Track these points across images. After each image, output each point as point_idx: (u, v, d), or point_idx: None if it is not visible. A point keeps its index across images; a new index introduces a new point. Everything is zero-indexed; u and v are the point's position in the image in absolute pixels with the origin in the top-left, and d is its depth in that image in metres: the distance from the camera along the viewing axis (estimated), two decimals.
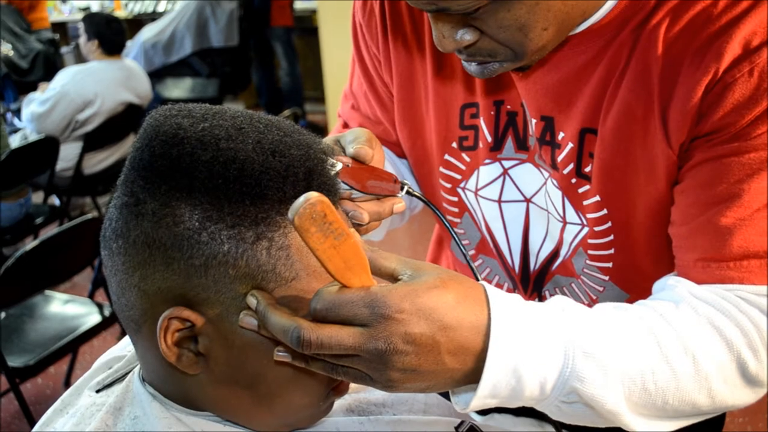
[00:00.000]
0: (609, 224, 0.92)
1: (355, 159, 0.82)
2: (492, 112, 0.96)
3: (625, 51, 0.83)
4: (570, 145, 0.90)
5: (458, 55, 0.83)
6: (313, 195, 0.58)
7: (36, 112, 3.76)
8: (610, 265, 0.95)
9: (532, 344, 0.67)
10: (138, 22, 6.59)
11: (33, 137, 3.75)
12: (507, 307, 0.67)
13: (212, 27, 5.54)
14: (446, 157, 1.01)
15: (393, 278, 0.67)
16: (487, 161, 0.99)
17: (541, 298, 1.05)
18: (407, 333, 0.62)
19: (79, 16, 6.56)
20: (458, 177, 1.02)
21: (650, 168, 0.85)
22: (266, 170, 0.65)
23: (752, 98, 0.76)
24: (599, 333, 0.71)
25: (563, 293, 1.03)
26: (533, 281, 1.04)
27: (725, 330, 0.77)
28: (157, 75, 5.55)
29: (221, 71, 5.63)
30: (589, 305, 0.89)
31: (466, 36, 0.78)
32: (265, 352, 0.67)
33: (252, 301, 0.65)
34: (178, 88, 5.62)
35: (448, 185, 1.03)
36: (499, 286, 1.09)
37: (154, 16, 6.55)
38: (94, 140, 3.93)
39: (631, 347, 0.72)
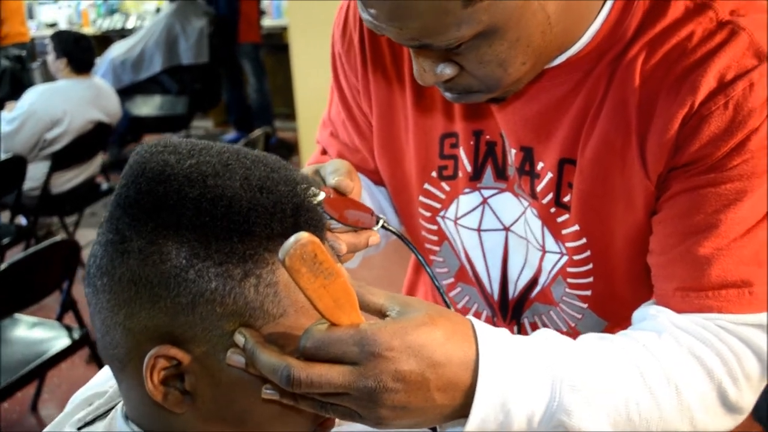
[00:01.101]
0: (588, 253, 0.93)
1: (336, 190, 0.83)
2: (471, 142, 0.97)
3: (603, 83, 0.85)
4: (549, 175, 0.91)
5: (437, 87, 0.84)
6: (303, 236, 0.58)
7: (3, 131, 3.70)
8: (588, 293, 0.97)
9: (519, 379, 0.68)
10: (107, 38, 6.54)
11: (2, 157, 3.71)
12: (494, 342, 0.67)
13: (182, 44, 5.52)
14: (426, 186, 1.02)
15: (381, 314, 0.67)
16: (466, 190, 1.00)
17: (520, 326, 1.06)
18: (397, 370, 0.62)
19: (47, 32, 6.50)
20: (438, 206, 1.03)
21: (628, 198, 0.87)
22: (254, 207, 0.65)
23: (727, 131, 0.78)
24: (584, 366, 0.72)
25: (542, 321, 1.04)
26: (512, 309, 1.05)
27: (706, 360, 0.78)
28: (126, 92, 5.50)
29: (191, 88, 5.61)
30: (568, 333, 0.91)
31: (446, 70, 0.80)
32: (252, 390, 0.67)
33: (240, 339, 0.65)
34: (148, 106, 5.58)
35: (428, 214, 1.04)
36: (477, 314, 1.10)
37: (123, 33, 6.51)
38: (63, 159, 3.89)
39: (616, 379, 0.74)
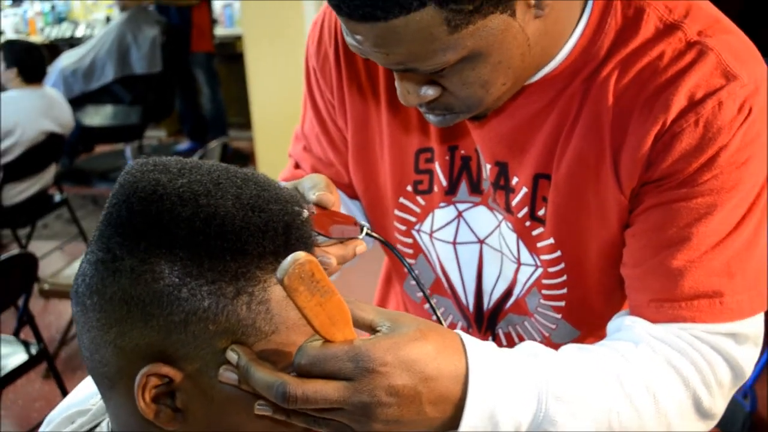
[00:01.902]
0: (562, 265, 0.96)
1: (318, 205, 0.84)
2: (447, 157, 0.99)
3: (576, 100, 0.88)
4: (524, 189, 0.94)
5: (418, 108, 0.86)
6: (300, 255, 0.59)
7: None
8: (563, 303, 0.99)
9: (507, 391, 0.70)
10: (55, 47, 6.43)
11: None
12: (483, 355, 0.69)
13: (134, 53, 5.45)
14: (401, 200, 1.04)
15: (371, 329, 0.69)
16: (442, 204, 1.02)
17: (495, 336, 1.08)
18: (391, 385, 0.63)
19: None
20: (413, 219, 1.05)
21: (602, 212, 0.89)
22: (246, 226, 0.66)
23: (698, 147, 0.81)
24: (568, 377, 0.75)
25: (516, 331, 1.07)
26: (487, 320, 1.07)
27: (682, 368, 0.81)
28: (77, 102, 5.40)
29: (144, 98, 5.54)
30: (542, 343, 0.93)
31: (430, 92, 0.82)
32: (244, 407, 0.68)
33: (233, 356, 0.65)
34: (99, 116, 5.50)
35: (403, 227, 1.06)
36: (453, 325, 1.12)
37: (72, 42, 6.40)
38: (15, 170, 3.81)
39: (598, 389, 0.76)
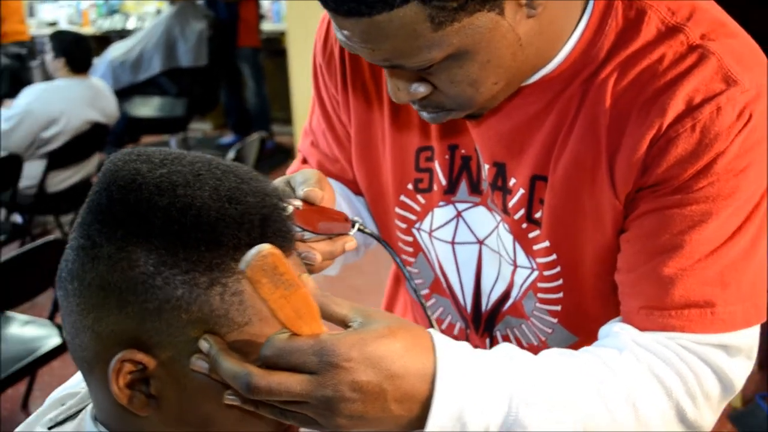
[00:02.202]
0: (558, 269, 0.95)
1: (306, 201, 0.85)
2: (446, 156, 0.99)
3: (575, 102, 0.87)
4: (521, 191, 0.93)
5: (411, 105, 0.86)
6: (265, 247, 0.60)
7: (0, 129, 3.72)
8: (558, 308, 0.98)
9: (476, 392, 0.69)
10: (106, 39, 6.57)
11: None
12: (453, 355, 0.69)
13: (181, 47, 5.54)
14: (402, 198, 1.04)
15: (344, 324, 0.69)
16: (441, 203, 1.01)
17: (492, 338, 1.08)
18: (354, 381, 0.64)
19: (47, 30, 6.52)
20: (413, 218, 1.04)
21: (598, 216, 0.88)
22: (222, 217, 0.66)
23: (694, 153, 0.80)
24: (543, 381, 0.74)
25: (514, 334, 1.06)
26: (485, 321, 1.07)
27: (665, 378, 0.80)
28: (124, 93, 5.52)
29: (189, 91, 5.62)
30: (539, 347, 0.92)
31: (420, 89, 0.82)
32: (215, 395, 0.68)
33: (204, 345, 0.66)
34: (146, 107, 5.60)
35: (404, 225, 1.06)
36: (451, 325, 1.11)
37: (122, 34, 6.53)
38: (59, 158, 3.91)
39: (574, 395, 0.75)
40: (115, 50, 5.62)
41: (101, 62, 5.53)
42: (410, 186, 1.03)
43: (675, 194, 0.82)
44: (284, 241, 0.70)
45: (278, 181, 0.90)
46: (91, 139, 4.04)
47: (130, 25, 6.80)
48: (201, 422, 0.71)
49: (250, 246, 0.66)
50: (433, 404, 0.67)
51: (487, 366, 0.71)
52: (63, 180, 4.01)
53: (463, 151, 0.98)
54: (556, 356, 0.79)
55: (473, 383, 0.69)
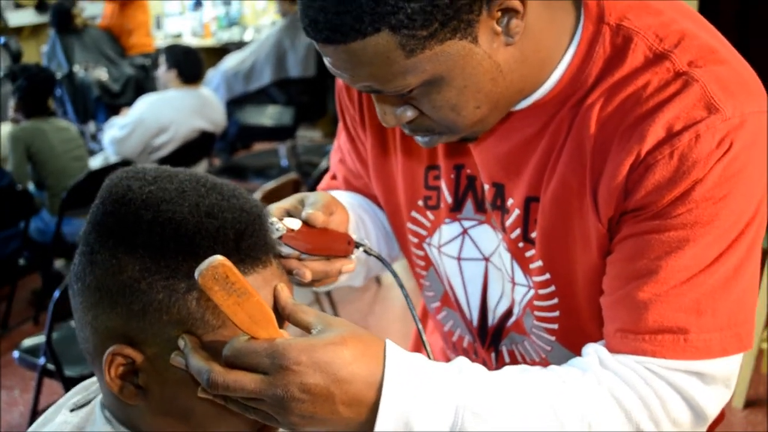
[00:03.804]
0: (553, 288, 0.97)
1: (306, 223, 0.91)
2: (452, 176, 1.03)
3: (565, 127, 0.89)
4: (517, 211, 0.96)
5: (402, 128, 0.91)
6: (217, 258, 0.67)
7: (115, 136, 4.01)
8: (556, 326, 1.00)
9: (423, 401, 0.73)
10: (224, 50, 6.88)
11: (113, 159, 4.01)
12: (402, 365, 0.73)
13: (291, 58, 5.74)
14: (413, 214, 1.09)
15: (308, 330, 0.75)
16: (447, 220, 1.06)
17: (498, 353, 1.11)
18: (303, 383, 0.69)
19: (171, 42, 6.90)
20: (424, 233, 1.09)
21: (585, 238, 0.90)
22: (199, 230, 0.74)
23: (672, 180, 0.81)
24: (494, 395, 0.77)
25: (518, 350, 1.09)
26: (491, 336, 1.10)
27: (625, 401, 0.81)
28: (237, 102, 5.79)
29: (298, 100, 5.82)
30: (540, 364, 0.95)
31: (407, 113, 0.86)
32: (193, 389, 0.76)
33: (181, 343, 0.74)
34: (257, 116, 5.83)
35: (415, 240, 1.11)
36: (461, 338, 1.15)
37: (239, 45, 6.82)
38: (169, 164, 4.12)
39: (526, 411, 0.77)
40: (230, 61, 5.88)
41: (216, 73, 5.81)
42: (420, 203, 1.08)
43: (654, 220, 0.83)
44: (259, 253, 0.77)
45: (293, 199, 0.97)
46: (198, 146, 4.27)
47: (247, 36, 7.10)
48: (182, 413, 0.79)
49: (226, 257, 0.74)
50: (379, 410, 0.72)
51: (435, 377, 0.75)
52: None
53: (468, 171, 1.02)
54: (514, 372, 0.82)
55: (420, 392, 0.73)
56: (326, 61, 0.83)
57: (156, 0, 7.43)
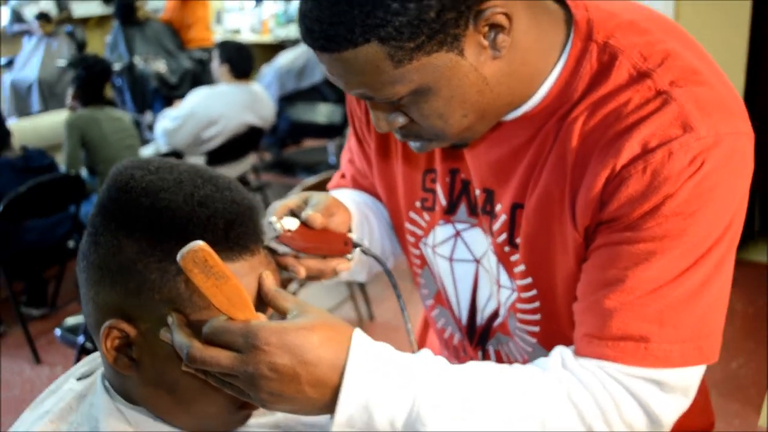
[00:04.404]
0: (534, 291, 1.01)
1: (305, 223, 0.98)
2: (447, 180, 1.08)
3: (550, 139, 0.93)
4: (503, 216, 1.00)
5: (394, 134, 0.96)
6: (197, 243, 0.74)
7: (167, 128, 4.14)
8: (537, 329, 1.05)
9: (383, 387, 0.79)
10: (281, 46, 7.01)
11: (163, 149, 4.15)
12: (365, 352, 0.79)
13: None
14: (411, 214, 1.14)
15: (285, 315, 0.81)
16: (441, 222, 1.11)
17: (485, 352, 1.15)
18: (271, 362, 0.76)
19: (230, 37, 7.06)
20: (420, 233, 1.15)
21: (564, 245, 0.94)
22: (191, 218, 0.81)
23: (644, 194, 0.84)
24: (450, 387, 0.82)
25: (504, 350, 1.13)
26: (479, 335, 1.15)
27: (579, 403, 0.85)
28: (289, 99, 5.90)
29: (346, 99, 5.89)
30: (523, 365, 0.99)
31: (398, 119, 0.91)
32: (180, 364, 0.82)
33: (169, 320, 0.81)
34: (308, 113, 5.94)
35: (412, 239, 1.16)
36: (452, 335, 1.20)
37: (296, 42, 6.94)
38: (217, 156, 4.28)
39: (480, 404, 0.82)
40: (283, 59, 5.99)
41: (270, 69, 5.93)
42: (418, 204, 1.13)
43: (625, 231, 0.86)
44: (247, 242, 0.84)
45: (298, 198, 1.03)
46: (246, 140, 4.38)
47: None
48: (169, 386, 0.86)
49: (215, 244, 0.80)
50: (341, 392, 0.77)
51: (396, 366, 0.81)
52: None
53: (463, 175, 1.07)
54: (475, 366, 0.86)
55: (381, 378, 0.79)
56: (323, 68, 0.89)
57: None
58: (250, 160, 4.57)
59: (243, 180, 4.62)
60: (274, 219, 0.95)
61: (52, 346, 3.56)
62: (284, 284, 1.05)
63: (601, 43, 0.90)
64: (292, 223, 0.96)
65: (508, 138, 0.97)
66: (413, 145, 0.97)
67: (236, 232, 0.83)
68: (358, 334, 0.81)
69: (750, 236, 4.52)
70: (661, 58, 0.87)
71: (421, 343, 1.39)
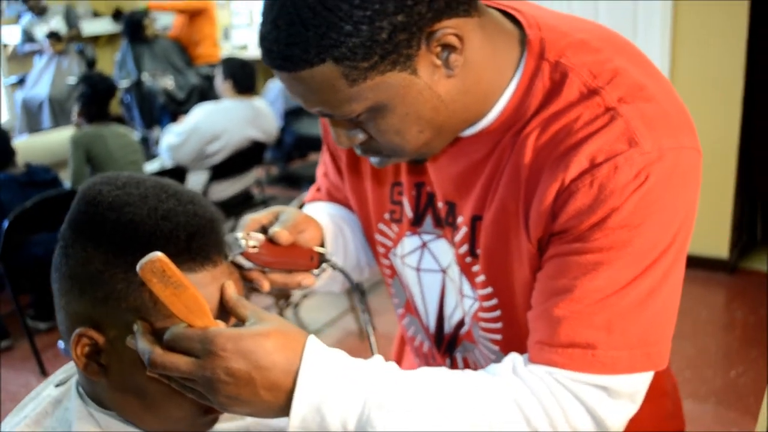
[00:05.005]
0: (495, 301, 1.05)
1: (271, 240, 1.02)
2: (413, 192, 1.12)
3: (506, 153, 0.96)
4: (464, 228, 1.04)
5: (354, 149, 1.00)
6: (156, 254, 0.78)
7: (171, 143, 4.20)
8: (499, 337, 1.08)
9: (335, 391, 0.82)
10: None
11: (168, 165, 4.21)
12: (318, 358, 0.83)
13: None
14: (380, 226, 1.18)
15: (244, 322, 0.85)
16: (408, 233, 1.14)
17: (453, 360, 1.19)
18: (227, 367, 0.80)
19: (237, 53, 7.14)
20: (389, 244, 1.18)
21: (520, 255, 0.98)
22: (154, 231, 0.85)
23: (591, 207, 0.87)
24: (400, 391, 0.85)
25: (471, 358, 1.16)
26: (446, 343, 1.18)
27: (526, 407, 0.88)
28: (294, 113, 5.96)
29: None
30: None
31: (358, 136, 0.95)
32: (146, 370, 0.87)
33: (135, 328, 0.85)
34: (313, 126, 5.99)
35: (382, 250, 1.20)
36: (421, 343, 1.23)
37: None
38: (221, 171, 4.33)
39: (429, 407, 0.85)
40: None
41: (276, 84, 5.99)
42: (386, 216, 1.17)
43: (574, 242, 0.90)
44: (209, 253, 0.88)
45: (269, 212, 1.08)
46: (250, 155, 4.44)
47: None
48: (137, 391, 0.90)
49: (177, 256, 0.84)
50: (294, 396, 0.81)
51: (347, 371, 0.84)
52: (224, 190, 4.43)
53: (428, 188, 1.10)
54: (427, 372, 0.90)
55: (332, 382, 0.82)
56: (285, 86, 0.93)
57: (225, 11, 7.69)
58: (255, 174, 4.63)
59: (247, 194, 4.68)
60: (240, 235, 0.98)
61: (58, 359, 3.62)
62: (248, 294, 1.08)
63: (552, 61, 0.93)
64: (257, 239, 1.00)
65: (467, 153, 1.01)
66: (373, 160, 1.00)
67: (198, 244, 0.88)
68: (312, 340, 0.85)
69: (752, 245, 4.53)
70: (610, 76, 0.91)
71: (400, 352, 1.42)
